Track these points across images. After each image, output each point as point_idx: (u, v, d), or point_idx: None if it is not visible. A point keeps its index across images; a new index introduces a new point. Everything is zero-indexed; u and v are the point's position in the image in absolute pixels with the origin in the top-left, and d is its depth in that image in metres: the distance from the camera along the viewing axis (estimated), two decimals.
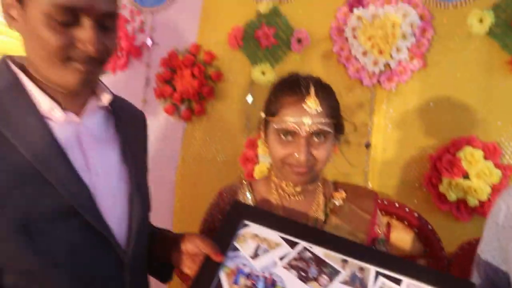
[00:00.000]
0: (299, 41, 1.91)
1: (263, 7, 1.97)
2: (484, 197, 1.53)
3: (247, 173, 1.90)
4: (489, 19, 1.63)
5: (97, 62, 0.71)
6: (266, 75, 1.95)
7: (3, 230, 0.65)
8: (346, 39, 1.81)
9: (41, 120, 0.71)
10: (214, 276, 0.82)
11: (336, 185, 1.08)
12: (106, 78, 1.78)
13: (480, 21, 1.65)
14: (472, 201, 1.55)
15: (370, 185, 1.76)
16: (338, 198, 1.03)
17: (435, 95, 1.70)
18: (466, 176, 1.57)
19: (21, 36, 0.70)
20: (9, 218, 0.65)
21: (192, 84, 2.02)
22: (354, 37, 1.78)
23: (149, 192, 0.94)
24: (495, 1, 1.65)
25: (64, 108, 0.74)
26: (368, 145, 1.76)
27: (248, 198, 1.05)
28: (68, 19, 0.64)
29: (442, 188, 1.59)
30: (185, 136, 2.12)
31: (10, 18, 0.69)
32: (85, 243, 0.73)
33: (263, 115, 1.02)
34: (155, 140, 2.08)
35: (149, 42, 2.25)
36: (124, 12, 2.30)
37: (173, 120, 2.12)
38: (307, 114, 0.90)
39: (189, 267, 0.87)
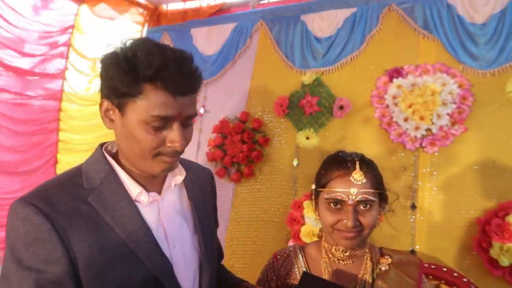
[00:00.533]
0: (341, 108, 2.04)
1: (307, 78, 2.14)
2: None
3: (293, 233, 1.97)
4: None
5: (180, 153, 0.86)
6: (310, 139, 2.08)
7: None
8: (387, 106, 1.92)
9: (132, 204, 0.83)
10: None
11: (382, 251, 1.13)
12: None
13: None
14: None
15: (417, 248, 1.77)
16: (385, 264, 1.08)
17: (478, 158, 1.73)
18: None
19: (116, 133, 0.86)
20: (110, 284, 0.77)
21: (242, 149, 2.18)
22: (395, 104, 1.89)
23: (218, 244, 1.06)
24: None
25: (147, 190, 0.88)
26: (413, 207, 1.79)
27: (300, 261, 1.13)
28: (161, 125, 0.80)
29: (493, 252, 1.57)
30: (235, 197, 2.25)
31: (108, 120, 0.84)
32: None
33: (313, 186, 1.12)
34: None
35: (201, 110, 2.47)
36: None
37: (223, 182, 2.27)
38: (354, 186, 1.00)
39: None
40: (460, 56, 1.85)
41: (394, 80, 1.91)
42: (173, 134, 0.80)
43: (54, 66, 2.74)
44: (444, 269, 1.58)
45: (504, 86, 1.74)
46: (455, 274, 1.56)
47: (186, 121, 0.83)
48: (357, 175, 1.00)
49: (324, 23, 2.18)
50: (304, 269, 1.12)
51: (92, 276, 0.76)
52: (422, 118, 1.81)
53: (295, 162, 2.10)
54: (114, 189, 0.84)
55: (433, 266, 1.59)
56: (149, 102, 0.76)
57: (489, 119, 1.74)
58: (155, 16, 3.17)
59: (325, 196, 1.03)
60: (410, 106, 1.84)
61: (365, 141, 1.96)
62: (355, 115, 2.02)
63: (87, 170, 0.85)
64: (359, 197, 1.00)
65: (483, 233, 1.62)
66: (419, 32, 1.95)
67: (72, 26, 2.78)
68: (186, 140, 0.84)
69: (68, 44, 2.78)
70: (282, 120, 2.18)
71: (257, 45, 2.38)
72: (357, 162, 1.02)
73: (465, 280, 1.54)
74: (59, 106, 2.80)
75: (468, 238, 1.68)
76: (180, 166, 0.96)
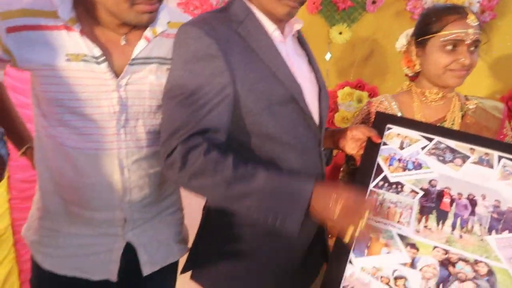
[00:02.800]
0: (374, 2, 2.12)
1: None
2: None
3: (327, 120, 2.16)
4: None
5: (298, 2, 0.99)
6: (343, 34, 2.18)
7: (258, 107, 0.97)
8: None
9: (269, 37, 1.00)
10: (374, 161, 1.10)
11: (467, 97, 1.32)
12: None
13: None
14: None
15: None
16: (472, 103, 1.27)
17: (506, 42, 1.87)
18: None
19: None
20: (260, 101, 0.97)
21: None
22: None
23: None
24: None
25: (280, 30, 1.04)
26: None
27: (393, 106, 1.31)
28: None
29: None
30: None
31: None
32: (298, 122, 1.04)
33: (410, 37, 1.29)
34: None
35: None
36: None
37: None
38: (471, 27, 1.14)
39: (352, 148, 1.17)
40: None
41: None
42: None
43: None
44: None
45: None
46: None
47: None
48: (473, 17, 1.16)
49: None
50: (399, 113, 1.30)
51: (246, 89, 0.95)
52: None
53: (327, 56, 2.22)
54: (255, 24, 1.00)
55: None
56: None
57: None
58: None
59: (442, 39, 1.17)
60: None
61: (397, 35, 2.04)
62: (387, 9, 2.10)
63: (233, 9, 1.01)
64: (476, 36, 1.15)
65: (509, 110, 1.80)
66: None
67: None
68: None
69: None
70: (314, 17, 2.25)
71: None
72: (464, 8, 1.17)
73: None
74: None
75: None
76: (297, 18, 1.11)
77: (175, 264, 1.25)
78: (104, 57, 0.97)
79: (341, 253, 0.98)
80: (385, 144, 1.14)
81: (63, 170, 1.02)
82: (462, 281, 0.91)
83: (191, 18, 1.03)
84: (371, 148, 1.13)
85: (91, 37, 0.96)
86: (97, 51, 0.96)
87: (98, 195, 1.03)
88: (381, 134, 1.15)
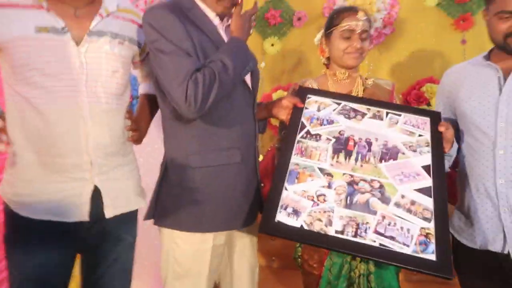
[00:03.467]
0: (299, 19, 2.51)
1: None
2: None
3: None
4: None
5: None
6: (274, 46, 2.54)
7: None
8: None
9: (211, 22, 1.26)
10: (299, 121, 1.39)
11: (366, 77, 1.66)
12: None
13: None
14: None
15: None
16: (370, 80, 1.61)
17: (403, 50, 2.32)
18: (428, 103, 2.17)
19: None
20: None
21: None
22: None
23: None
24: None
25: (220, 18, 1.30)
26: None
27: (314, 86, 1.61)
28: None
29: None
30: None
31: None
32: (238, 87, 1.28)
33: (323, 33, 1.61)
34: None
35: None
36: None
37: None
38: (359, 20, 1.48)
39: (283, 114, 1.45)
40: None
41: None
42: None
43: None
44: None
45: None
46: None
47: None
48: (362, 14, 1.50)
49: None
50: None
51: (201, 55, 1.20)
52: None
53: (262, 65, 2.54)
54: (200, 12, 1.27)
55: None
56: None
57: (410, 21, 2.32)
58: None
59: (340, 30, 1.50)
60: None
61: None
62: (311, 24, 2.50)
63: (181, 1, 1.27)
64: (364, 27, 1.48)
65: (405, 101, 2.22)
66: None
67: None
68: None
69: None
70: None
71: None
72: (356, 8, 1.52)
73: None
74: None
75: None
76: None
77: (135, 213, 1.39)
78: (66, 28, 1.17)
79: (279, 182, 1.25)
80: (306, 108, 1.43)
81: (35, 126, 1.17)
82: (362, 193, 1.19)
83: (131, 3, 1.33)
84: (296, 112, 1.43)
85: (55, 12, 1.17)
86: (61, 23, 1.16)
87: (66, 142, 1.19)
88: (303, 101, 1.45)
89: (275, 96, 2.44)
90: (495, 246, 1.30)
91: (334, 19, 1.55)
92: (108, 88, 1.26)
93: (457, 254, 1.39)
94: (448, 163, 1.45)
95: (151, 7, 1.22)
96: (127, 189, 1.34)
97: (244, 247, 1.43)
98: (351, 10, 1.52)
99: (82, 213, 1.22)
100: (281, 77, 2.54)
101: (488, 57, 1.39)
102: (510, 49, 1.30)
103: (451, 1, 2.27)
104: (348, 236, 1.12)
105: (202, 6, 1.29)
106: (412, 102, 2.19)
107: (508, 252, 1.26)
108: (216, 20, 1.29)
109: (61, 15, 1.17)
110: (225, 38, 1.31)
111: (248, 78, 1.37)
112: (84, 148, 1.21)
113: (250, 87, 1.37)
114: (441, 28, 2.28)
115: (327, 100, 1.45)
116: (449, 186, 1.39)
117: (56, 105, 1.17)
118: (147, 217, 1.32)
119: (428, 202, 1.15)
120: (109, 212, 1.27)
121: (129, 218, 1.37)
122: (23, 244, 1.22)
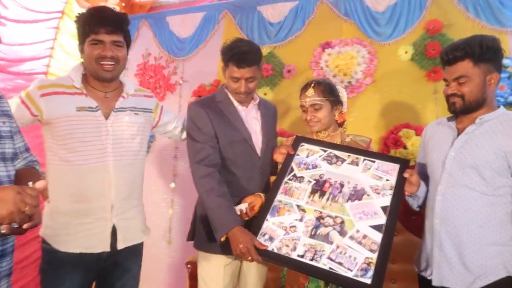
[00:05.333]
0: (289, 71, 2.80)
1: (263, 51, 2.86)
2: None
3: None
4: (410, 51, 2.57)
5: (248, 92, 1.77)
6: (267, 95, 2.82)
7: (225, 143, 1.68)
8: (321, 68, 2.72)
9: (235, 108, 1.80)
10: (289, 165, 1.70)
11: (348, 135, 1.89)
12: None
13: (405, 52, 2.58)
14: (411, 162, 2.35)
15: None
16: (349, 138, 1.84)
17: (382, 99, 2.58)
18: (405, 147, 2.40)
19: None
20: (226, 139, 1.67)
21: None
22: (327, 66, 2.69)
23: (275, 139, 2.03)
24: (414, 40, 2.59)
25: (242, 105, 1.81)
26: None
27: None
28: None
29: None
30: None
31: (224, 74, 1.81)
32: (246, 152, 1.72)
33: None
34: None
35: (180, 81, 3.12)
36: (161, 62, 3.20)
37: None
38: (308, 97, 1.76)
39: (281, 159, 1.80)
40: (369, 33, 2.69)
41: (326, 50, 2.72)
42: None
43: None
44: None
45: (396, 52, 2.60)
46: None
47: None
48: (309, 91, 1.76)
49: (275, 12, 2.93)
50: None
51: (219, 134, 1.68)
52: (345, 74, 2.63)
53: None
54: (228, 102, 1.75)
55: None
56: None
57: (387, 73, 2.60)
58: (129, 5, 3.77)
59: (300, 105, 1.81)
60: (337, 67, 2.65)
61: None
62: (299, 76, 2.79)
63: (217, 93, 1.79)
64: (312, 102, 1.75)
65: (384, 145, 2.44)
66: (341, 18, 2.77)
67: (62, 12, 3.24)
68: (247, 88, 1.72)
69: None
70: None
71: (223, 29, 3.08)
72: (311, 84, 1.77)
73: None
74: None
75: (376, 149, 2.50)
76: (256, 96, 1.85)
77: (140, 247, 1.77)
78: (98, 107, 1.60)
79: (262, 215, 1.57)
80: (298, 155, 1.70)
81: (71, 180, 1.56)
82: (326, 226, 1.43)
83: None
84: (289, 158, 1.75)
85: (91, 96, 1.61)
86: (94, 104, 1.60)
87: (96, 191, 1.57)
88: (296, 148, 1.73)
89: None
90: (426, 274, 1.55)
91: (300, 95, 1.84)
92: (129, 148, 1.67)
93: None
94: (416, 203, 1.67)
95: (193, 102, 1.86)
96: (135, 226, 1.70)
97: (253, 271, 1.83)
98: (304, 88, 1.82)
99: (105, 245, 1.58)
100: None
101: (454, 117, 1.63)
102: (450, 109, 1.55)
103: (423, 56, 2.55)
104: (306, 259, 1.36)
105: (230, 96, 1.80)
106: (391, 145, 2.42)
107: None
108: (239, 107, 1.79)
109: (95, 98, 1.61)
110: (246, 118, 1.80)
111: (259, 146, 1.79)
112: (108, 194, 1.58)
113: (260, 153, 1.80)
114: (415, 79, 2.54)
115: (316, 148, 1.71)
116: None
117: (89, 164, 1.56)
118: (188, 239, 1.85)
119: (377, 237, 1.38)
120: (120, 245, 1.62)
121: (137, 251, 1.73)
122: (56, 274, 1.53)
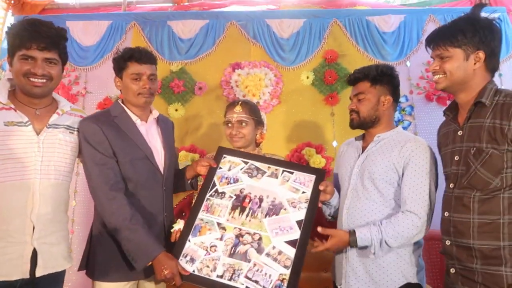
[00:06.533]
0: (200, 88, 2.86)
1: (174, 68, 2.89)
2: None
3: None
4: (311, 76, 2.84)
5: (151, 93, 1.74)
6: (178, 111, 2.83)
7: (125, 162, 1.58)
8: (231, 87, 2.83)
9: (133, 123, 1.71)
10: (212, 179, 1.70)
11: (264, 154, 1.98)
12: None
13: (307, 77, 2.85)
14: None
15: None
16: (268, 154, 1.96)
17: (287, 119, 2.79)
18: (307, 164, 2.63)
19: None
20: (126, 157, 1.58)
21: None
22: (236, 86, 2.82)
23: (176, 155, 2.00)
24: (314, 67, 2.88)
25: (141, 119, 1.72)
26: None
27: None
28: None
29: None
30: None
31: (117, 86, 1.76)
32: (148, 170, 1.65)
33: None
34: None
35: (83, 91, 2.94)
36: None
37: None
38: (235, 113, 1.85)
39: (203, 171, 1.79)
40: (275, 57, 2.90)
41: (236, 70, 2.84)
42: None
43: None
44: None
45: (299, 76, 2.85)
46: None
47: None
48: (237, 108, 1.86)
49: (185, 28, 2.96)
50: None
51: (121, 157, 1.60)
52: (254, 95, 2.78)
53: None
54: (125, 116, 1.67)
55: None
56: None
57: (292, 95, 2.83)
58: (19, 4, 3.43)
59: (225, 120, 1.89)
60: (246, 87, 2.79)
61: (218, 112, 2.81)
62: (210, 93, 2.86)
63: (112, 108, 1.69)
64: (238, 118, 1.84)
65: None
66: (250, 40, 2.94)
67: None
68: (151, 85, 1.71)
69: None
70: (156, 97, 2.84)
71: (132, 40, 2.99)
72: (239, 102, 1.89)
73: None
74: None
75: None
76: (155, 110, 1.80)
77: (62, 273, 1.64)
78: (29, 122, 1.51)
79: (184, 235, 1.57)
80: (220, 168, 1.73)
81: None
82: (244, 244, 1.50)
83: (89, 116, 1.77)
84: (211, 171, 1.75)
85: (21, 111, 1.52)
86: (25, 119, 1.51)
87: (15, 211, 1.45)
88: (219, 161, 1.76)
89: (179, 156, 2.69)
90: (338, 282, 1.70)
91: (226, 112, 1.93)
92: (58, 167, 1.57)
93: None
94: (329, 211, 1.82)
95: (85, 118, 1.72)
96: (58, 253, 1.58)
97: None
98: (232, 105, 1.92)
99: (22, 272, 1.44)
100: (185, 139, 2.82)
101: (361, 137, 1.83)
102: (350, 124, 1.76)
103: (322, 82, 2.85)
104: (225, 279, 1.42)
105: (128, 111, 1.72)
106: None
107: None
108: (138, 121, 1.72)
109: (25, 113, 1.52)
110: (146, 133, 1.72)
111: (161, 163, 1.74)
112: (29, 214, 1.47)
113: (163, 170, 1.74)
114: (315, 102, 2.82)
115: (238, 160, 1.77)
116: None
117: (12, 181, 1.45)
118: (80, 268, 1.72)
119: (291, 252, 1.48)
120: (40, 271, 1.49)
121: (58, 278, 1.61)
122: None
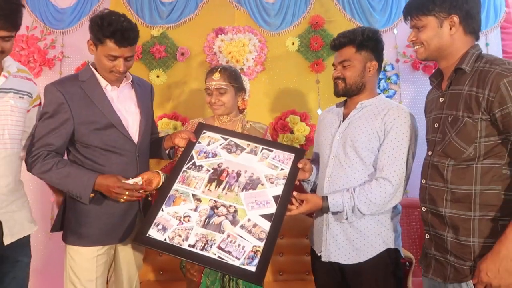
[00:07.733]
0: (182, 54, 2.77)
1: (155, 32, 2.79)
2: (302, 142, 2.60)
3: None
4: (297, 42, 2.77)
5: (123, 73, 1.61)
6: (160, 77, 2.75)
7: (89, 131, 1.53)
8: (215, 53, 2.75)
9: (102, 92, 1.61)
10: (189, 153, 1.68)
11: (248, 121, 1.97)
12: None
13: (292, 43, 2.77)
14: (296, 145, 2.58)
15: None
16: (249, 124, 1.94)
17: (272, 86, 2.74)
18: (291, 132, 2.62)
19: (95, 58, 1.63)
20: (90, 126, 1.53)
21: None
22: (220, 52, 2.73)
23: (153, 121, 1.92)
24: (300, 33, 2.80)
25: (112, 85, 1.63)
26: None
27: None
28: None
29: (279, 140, 2.59)
30: None
31: (90, 50, 1.59)
32: (116, 140, 1.59)
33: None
34: None
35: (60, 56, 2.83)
36: (36, 32, 2.85)
37: None
38: (214, 80, 1.81)
39: (182, 143, 1.75)
40: (260, 22, 2.81)
41: (219, 36, 2.75)
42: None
43: None
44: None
45: (284, 42, 2.78)
46: None
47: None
48: (215, 75, 1.80)
49: None
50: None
51: (80, 120, 1.55)
52: (237, 61, 2.71)
53: None
54: (94, 82, 1.59)
55: None
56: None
57: (277, 62, 2.77)
58: None
59: (205, 88, 1.85)
60: (229, 53, 2.72)
61: (201, 78, 2.73)
62: (193, 60, 2.79)
63: (81, 72, 1.60)
64: (217, 86, 1.80)
65: (274, 130, 2.63)
66: (234, 4, 2.82)
67: None
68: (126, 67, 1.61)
69: None
70: (137, 63, 2.76)
71: (110, 2, 2.86)
72: (218, 69, 1.82)
73: None
74: None
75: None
76: (128, 74, 1.71)
77: (28, 237, 1.65)
78: None
79: (158, 204, 1.55)
80: (199, 142, 1.71)
81: None
82: (219, 216, 1.50)
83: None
84: (190, 145, 1.73)
85: None
86: None
87: None
88: (198, 136, 1.73)
89: (160, 124, 2.65)
90: (316, 250, 1.71)
91: (206, 78, 1.87)
92: (13, 135, 1.52)
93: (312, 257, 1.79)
94: (310, 187, 1.82)
95: (51, 83, 1.62)
96: (21, 218, 1.58)
97: (125, 258, 1.76)
98: (210, 72, 1.86)
99: None
100: (166, 106, 2.77)
101: (342, 103, 1.79)
102: (335, 91, 1.73)
103: (308, 48, 2.78)
104: (197, 249, 1.42)
105: (98, 75, 1.63)
106: (279, 130, 2.61)
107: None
108: (108, 87, 1.64)
109: None
110: (116, 99, 1.66)
111: (135, 130, 1.69)
112: None
113: (137, 138, 1.70)
114: (300, 69, 2.77)
115: (218, 136, 1.74)
116: None
117: None
118: (52, 230, 1.72)
119: (266, 226, 1.48)
120: (7, 240, 1.50)
121: (24, 242, 1.62)
122: None
